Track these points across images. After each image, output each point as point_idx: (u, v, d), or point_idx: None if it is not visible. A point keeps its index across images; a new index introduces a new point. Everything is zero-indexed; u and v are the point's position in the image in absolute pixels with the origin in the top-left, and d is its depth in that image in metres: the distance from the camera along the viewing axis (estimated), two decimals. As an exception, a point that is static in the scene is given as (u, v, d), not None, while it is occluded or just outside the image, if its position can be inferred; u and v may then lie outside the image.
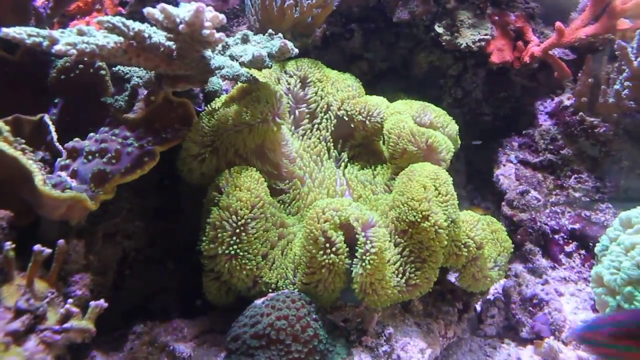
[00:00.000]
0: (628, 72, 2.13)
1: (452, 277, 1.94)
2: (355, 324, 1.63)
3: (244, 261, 1.62)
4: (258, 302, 1.58)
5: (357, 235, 1.54)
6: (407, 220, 1.61)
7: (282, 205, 1.91)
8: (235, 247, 1.61)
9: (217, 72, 1.65)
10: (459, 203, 1.72)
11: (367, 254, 1.51)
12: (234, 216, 1.61)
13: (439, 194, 1.66)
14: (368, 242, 1.52)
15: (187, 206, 1.92)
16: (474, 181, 2.70)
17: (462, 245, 1.70)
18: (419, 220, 1.60)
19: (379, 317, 1.69)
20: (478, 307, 2.15)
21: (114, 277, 1.81)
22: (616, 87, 2.17)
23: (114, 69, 1.80)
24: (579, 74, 2.31)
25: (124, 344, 1.62)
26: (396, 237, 1.65)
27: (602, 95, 2.23)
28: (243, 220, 1.61)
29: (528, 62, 2.42)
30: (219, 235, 1.62)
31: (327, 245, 1.54)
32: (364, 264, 1.51)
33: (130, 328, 1.66)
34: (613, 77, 2.22)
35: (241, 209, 1.62)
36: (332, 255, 1.54)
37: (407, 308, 1.79)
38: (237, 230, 1.61)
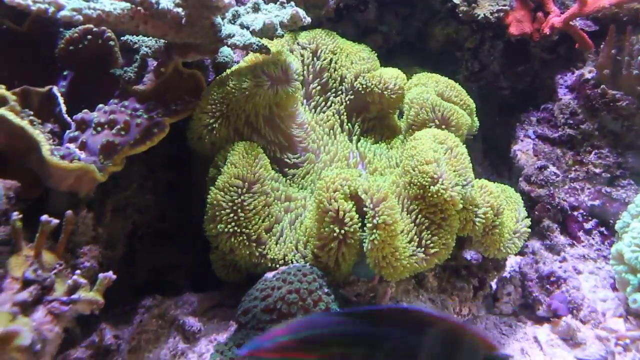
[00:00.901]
0: (653, 43, 2.07)
1: (467, 255, 1.91)
2: (368, 299, 1.61)
3: (243, 237, 1.62)
4: (269, 275, 1.57)
5: (364, 209, 1.51)
6: (418, 184, 1.58)
7: (296, 179, 1.89)
8: (233, 224, 1.61)
9: (227, 40, 1.62)
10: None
11: (375, 229, 1.49)
12: (230, 194, 1.61)
13: (451, 156, 1.63)
14: (377, 216, 1.49)
15: (199, 179, 1.91)
16: (490, 157, 2.65)
17: (480, 211, 1.66)
18: (428, 182, 1.56)
19: (393, 292, 1.66)
20: (494, 285, 2.12)
21: (124, 250, 1.81)
22: (640, 58, 2.11)
23: (122, 38, 1.77)
24: (602, 46, 2.25)
25: (133, 317, 1.62)
26: (409, 203, 1.62)
27: (626, 67, 2.16)
28: (240, 199, 1.61)
29: (548, 33, 2.36)
30: (217, 214, 1.62)
31: (338, 215, 1.52)
32: (372, 238, 1.49)
33: (140, 302, 1.66)
34: (638, 48, 2.15)
35: (237, 187, 1.62)
36: (343, 226, 1.51)
37: (421, 284, 1.77)
38: (235, 208, 1.61)
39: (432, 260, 1.59)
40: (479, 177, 2.45)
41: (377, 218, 1.48)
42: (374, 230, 1.48)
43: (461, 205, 1.60)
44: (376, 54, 2.15)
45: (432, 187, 1.56)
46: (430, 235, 1.59)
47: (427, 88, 1.91)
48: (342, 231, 1.52)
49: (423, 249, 1.58)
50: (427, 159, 1.58)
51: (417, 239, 1.59)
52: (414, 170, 1.60)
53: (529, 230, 1.82)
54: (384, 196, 1.52)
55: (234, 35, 1.62)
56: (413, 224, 1.60)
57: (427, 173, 1.57)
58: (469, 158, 1.68)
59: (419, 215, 1.61)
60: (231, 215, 1.61)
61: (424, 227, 1.60)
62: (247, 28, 1.69)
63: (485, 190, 1.71)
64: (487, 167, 2.63)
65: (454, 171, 1.61)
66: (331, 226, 1.52)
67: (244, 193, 1.63)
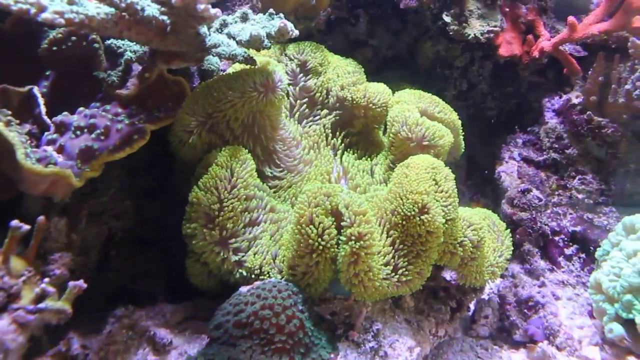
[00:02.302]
0: (640, 72, 2.09)
1: (446, 274, 1.90)
2: (342, 318, 1.60)
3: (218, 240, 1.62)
4: (243, 289, 1.55)
5: (342, 223, 1.51)
6: (402, 213, 1.58)
7: (278, 192, 1.88)
8: (210, 225, 1.61)
9: (212, 50, 1.61)
10: (459, 199, 1.69)
11: (349, 240, 1.48)
12: (211, 195, 1.60)
13: (439, 188, 1.63)
14: (352, 227, 1.48)
15: (180, 185, 1.89)
16: (474, 177, 2.66)
17: (458, 245, 1.67)
18: (415, 213, 1.56)
19: (369, 311, 1.65)
20: (472, 307, 2.11)
21: (98, 257, 1.78)
22: (627, 86, 2.13)
23: (106, 42, 1.75)
24: (590, 72, 2.26)
25: (103, 327, 1.59)
26: (390, 228, 1.62)
27: (612, 95, 2.18)
28: (221, 200, 1.61)
29: (537, 57, 2.37)
30: (195, 213, 1.62)
31: (317, 231, 1.51)
32: (346, 250, 1.48)
33: (111, 311, 1.63)
34: (625, 76, 2.17)
35: (219, 189, 1.61)
36: (321, 242, 1.51)
37: (397, 304, 1.76)
38: (214, 208, 1.61)
39: (404, 288, 1.59)
40: (462, 196, 2.48)
41: (352, 229, 1.48)
42: (348, 242, 1.48)
43: (442, 239, 1.60)
44: (364, 69, 2.15)
45: (417, 217, 1.56)
46: (406, 263, 1.58)
47: (409, 105, 1.91)
48: (320, 247, 1.51)
49: (397, 275, 1.57)
50: (418, 190, 1.58)
51: (393, 264, 1.58)
52: (401, 199, 1.59)
53: (509, 261, 1.82)
54: (363, 211, 1.51)
55: (219, 45, 1.61)
56: (391, 248, 1.60)
57: (416, 203, 1.56)
58: (455, 190, 1.68)
59: (399, 242, 1.60)
60: (208, 215, 1.61)
61: (402, 253, 1.59)
62: (234, 38, 1.68)
63: (467, 223, 1.71)
64: (470, 186, 2.63)
65: (442, 205, 1.61)
66: (310, 241, 1.51)
67: (226, 195, 1.62)
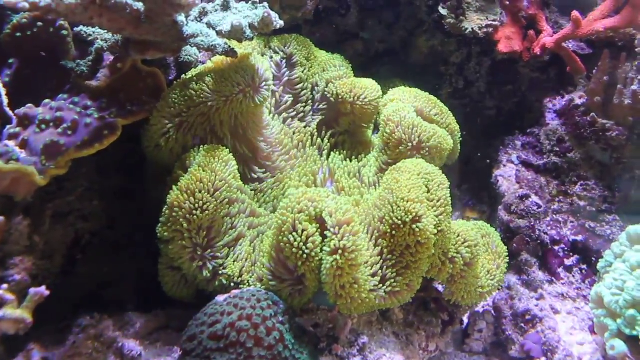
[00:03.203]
0: (648, 72, 2.10)
1: (439, 285, 1.90)
2: (326, 330, 1.60)
3: (196, 246, 1.61)
4: (220, 298, 1.54)
5: (326, 232, 1.50)
6: (392, 221, 1.58)
7: (259, 195, 1.88)
8: (187, 229, 1.60)
9: (190, 40, 1.60)
10: (453, 205, 1.69)
11: (334, 253, 1.48)
12: (192, 198, 1.59)
13: (431, 196, 1.62)
14: (336, 239, 1.48)
15: (153, 187, 1.88)
16: (470, 181, 2.66)
17: (448, 260, 1.67)
18: (406, 222, 1.56)
19: (355, 324, 1.65)
20: (465, 320, 2.11)
21: (63, 262, 1.76)
22: (634, 87, 2.14)
23: (75, 29, 1.74)
24: (594, 71, 2.27)
25: (67, 337, 1.57)
26: (379, 237, 1.62)
27: (618, 96, 2.19)
28: (201, 204, 1.59)
29: (538, 53, 2.38)
30: (174, 216, 1.60)
31: (300, 238, 1.50)
32: (330, 263, 1.48)
33: (76, 320, 1.62)
34: (631, 76, 2.18)
35: (200, 192, 1.60)
36: (305, 250, 1.50)
37: (385, 316, 1.76)
38: (194, 212, 1.59)
39: (392, 300, 1.59)
40: (457, 201, 2.48)
41: (336, 241, 1.48)
42: (333, 255, 1.47)
43: (433, 251, 1.60)
44: (353, 64, 2.15)
45: (408, 227, 1.56)
46: (394, 274, 1.58)
47: (405, 105, 1.90)
48: (304, 255, 1.50)
49: (385, 287, 1.57)
50: (410, 197, 1.57)
51: (381, 275, 1.58)
52: (391, 206, 1.59)
53: (499, 285, 1.83)
54: (348, 220, 1.51)
55: (198, 35, 1.60)
56: (379, 258, 1.60)
57: (408, 212, 1.56)
58: (449, 199, 1.68)
59: (388, 252, 1.60)
60: (188, 219, 1.59)
61: (390, 263, 1.59)
62: (214, 28, 1.67)
63: (462, 239, 1.70)
64: (466, 191, 2.64)
65: (435, 214, 1.61)
66: (293, 250, 1.51)
67: (208, 199, 1.61)
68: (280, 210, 1.55)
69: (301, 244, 1.50)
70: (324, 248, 1.50)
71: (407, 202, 1.57)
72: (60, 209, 1.74)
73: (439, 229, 1.61)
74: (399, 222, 1.56)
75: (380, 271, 1.58)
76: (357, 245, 1.49)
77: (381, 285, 1.57)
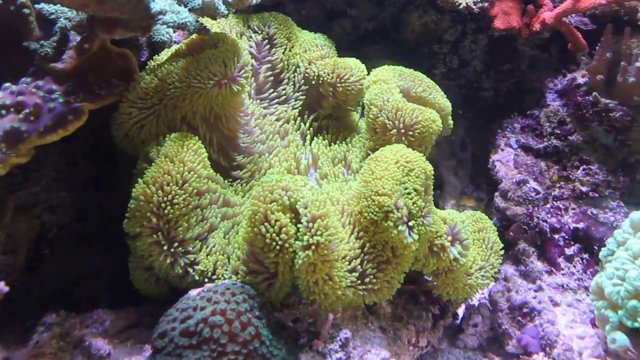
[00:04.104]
0: (653, 47, 2.09)
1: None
2: (306, 325, 1.60)
3: (166, 241, 1.61)
4: (193, 293, 1.54)
5: (299, 225, 1.50)
6: (369, 216, 1.58)
7: (236, 184, 1.87)
8: (156, 225, 1.60)
9: (157, 18, 1.59)
10: (448, 192, 1.69)
11: (306, 249, 1.48)
12: (159, 191, 1.58)
13: (409, 188, 1.61)
14: (309, 234, 1.48)
15: (125, 178, 1.88)
16: (467, 167, 2.66)
17: (432, 254, 1.67)
18: (380, 217, 1.56)
19: (338, 318, 1.66)
20: (460, 313, 2.12)
21: (27, 256, 1.77)
22: (638, 64, 2.13)
23: (36, 6, 1.73)
24: (597, 48, 2.26)
25: (32, 337, 1.58)
26: (360, 230, 1.62)
27: (622, 74, 2.18)
28: (169, 196, 1.59)
29: (538, 30, 2.37)
30: (140, 211, 1.60)
31: (273, 229, 1.50)
32: (302, 260, 1.48)
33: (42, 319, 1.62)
34: (636, 52, 2.17)
35: (168, 184, 1.59)
36: (277, 241, 1.50)
37: (372, 310, 1.76)
38: (162, 206, 1.59)
39: (371, 297, 1.59)
40: (453, 189, 2.48)
41: (309, 237, 1.48)
42: (305, 251, 1.47)
43: (414, 247, 1.59)
44: (338, 45, 2.15)
45: (384, 223, 1.55)
46: (375, 270, 1.59)
47: (389, 85, 1.89)
48: (277, 247, 1.51)
49: (364, 283, 1.58)
50: (383, 191, 1.56)
51: (361, 270, 1.58)
52: (367, 200, 1.59)
53: (489, 283, 1.83)
54: (323, 214, 1.50)
55: (166, 13, 1.60)
56: (361, 252, 1.60)
57: (382, 207, 1.55)
58: (432, 189, 1.68)
59: (369, 245, 1.60)
60: (156, 213, 1.59)
61: (371, 257, 1.60)
62: (185, 5, 1.67)
63: (450, 232, 1.71)
64: (462, 177, 2.64)
65: (414, 207, 1.59)
66: (266, 240, 1.51)
67: (176, 191, 1.60)
68: (251, 200, 1.55)
69: (274, 234, 1.50)
70: (297, 242, 1.50)
71: (382, 196, 1.56)
72: (24, 201, 1.74)
73: (421, 223, 1.59)
74: (375, 217, 1.56)
75: (360, 266, 1.58)
76: (332, 241, 1.50)
77: (359, 281, 1.57)
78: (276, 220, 1.50)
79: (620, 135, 2.25)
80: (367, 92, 1.93)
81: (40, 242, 1.84)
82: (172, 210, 1.60)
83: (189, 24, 1.65)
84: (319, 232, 1.48)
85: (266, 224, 1.51)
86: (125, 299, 1.82)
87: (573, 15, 2.37)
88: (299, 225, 1.50)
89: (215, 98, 1.78)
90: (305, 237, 1.48)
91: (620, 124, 2.22)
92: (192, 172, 1.64)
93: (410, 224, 1.56)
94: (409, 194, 1.59)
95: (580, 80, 2.32)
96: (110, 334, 1.64)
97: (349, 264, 1.58)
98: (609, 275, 1.86)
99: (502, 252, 1.90)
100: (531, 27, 2.40)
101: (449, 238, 1.68)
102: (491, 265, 1.85)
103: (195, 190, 1.64)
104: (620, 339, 1.81)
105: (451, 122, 2.06)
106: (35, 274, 1.84)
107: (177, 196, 1.60)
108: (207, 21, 1.90)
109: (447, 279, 1.72)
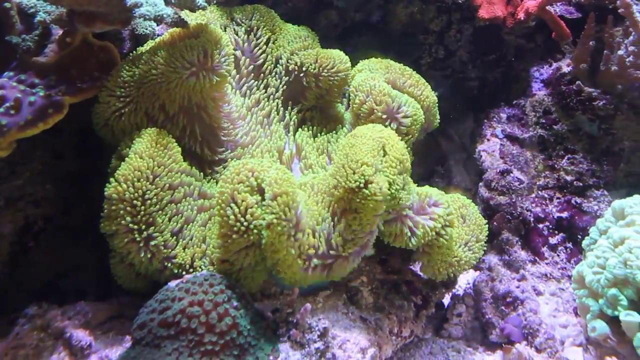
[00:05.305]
0: (634, 36, 2.08)
1: (415, 267, 1.91)
2: (285, 315, 1.60)
3: (142, 238, 1.61)
4: (172, 284, 1.55)
5: (263, 203, 1.52)
6: (346, 185, 1.57)
7: (220, 174, 1.88)
8: (131, 222, 1.60)
9: (135, 11, 1.59)
10: (436, 183, 1.69)
11: (268, 228, 1.49)
12: (130, 188, 1.59)
13: (386, 158, 1.63)
14: (268, 213, 1.49)
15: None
16: (455, 157, 2.66)
17: (417, 228, 1.67)
18: (359, 186, 1.55)
19: (319, 308, 1.67)
20: (445, 303, 2.13)
21: (12, 249, 1.77)
22: (620, 52, 2.13)
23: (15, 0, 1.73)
24: (580, 36, 2.26)
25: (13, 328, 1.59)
26: (334, 205, 1.62)
27: (605, 62, 2.18)
28: (141, 193, 1.60)
29: (523, 19, 2.37)
30: (114, 210, 1.61)
31: (238, 209, 1.51)
32: (266, 238, 1.50)
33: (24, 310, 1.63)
34: (619, 40, 2.17)
35: (139, 180, 1.60)
36: (243, 222, 1.51)
37: (353, 299, 1.77)
38: (135, 203, 1.60)
39: (338, 270, 1.61)
40: (440, 179, 2.49)
41: (268, 215, 1.49)
42: (266, 230, 1.49)
43: (381, 211, 1.60)
44: (325, 37, 2.16)
45: (362, 191, 1.55)
46: (342, 242, 1.60)
47: (375, 74, 1.91)
48: (242, 228, 1.52)
49: (330, 256, 1.59)
50: (363, 160, 1.57)
51: (325, 248, 1.59)
52: (345, 169, 1.59)
53: (476, 257, 1.84)
54: (285, 191, 1.51)
55: (142, 5, 1.59)
56: (331, 226, 1.61)
57: (362, 174, 1.55)
58: (408, 162, 1.69)
59: (341, 220, 1.60)
60: (130, 211, 1.60)
61: (341, 227, 1.60)
62: (163, -3, 1.67)
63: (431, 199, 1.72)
64: (450, 167, 2.64)
65: (387, 175, 1.61)
66: (230, 222, 1.52)
67: (148, 187, 1.62)
68: (220, 183, 1.56)
69: (239, 215, 1.51)
70: (261, 222, 1.51)
71: (361, 165, 1.56)
72: (8, 194, 1.75)
73: (394, 189, 1.61)
74: (353, 185, 1.56)
75: (324, 244, 1.60)
76: (291, 218, 1.51)
77: (329, 253, 1.59)
78: (242, 201, 1.51)
79: (604, 124, 2.24)
80: (353, 80, 1.94)
81: (25, 235, 1.85)
82: (144, 207, 1.61)
83: (166, 16, 1.64)
84: (275, 210, 1.49)
85: (232, 204, 1.52)
86: (113, 291, 1.83)
87: (559, 3, 2.37)
88: (263, 204, 1.51)
89: (193, 88, 1.78)
90: (267, 215, 1.49)
91: (604, 113, 2.22)
92: (162, 167, 1.65)
93: (383, 190, 1.57)
94: (388, 166, 1.62)
95: (565, 69, 2.32)
96: (92, 325, 1.64)
97: (317, 240, 1.59)
98: (589, 263, 1.86)
99: (486, 225, 1.91)
100: (516, 16, 2.39)
101: (430, 210, 1.70)
102: (476, 239, 1.86)
103: (168, 185, 1.65)
104: (600, 328, 1.81)
105: (437, 116, 2.07)
106: (21, 267, 1.84)
107: (148, 192, 1.61)
108: (190, 14, 1.91)
109: (436, 254, 1.74)
